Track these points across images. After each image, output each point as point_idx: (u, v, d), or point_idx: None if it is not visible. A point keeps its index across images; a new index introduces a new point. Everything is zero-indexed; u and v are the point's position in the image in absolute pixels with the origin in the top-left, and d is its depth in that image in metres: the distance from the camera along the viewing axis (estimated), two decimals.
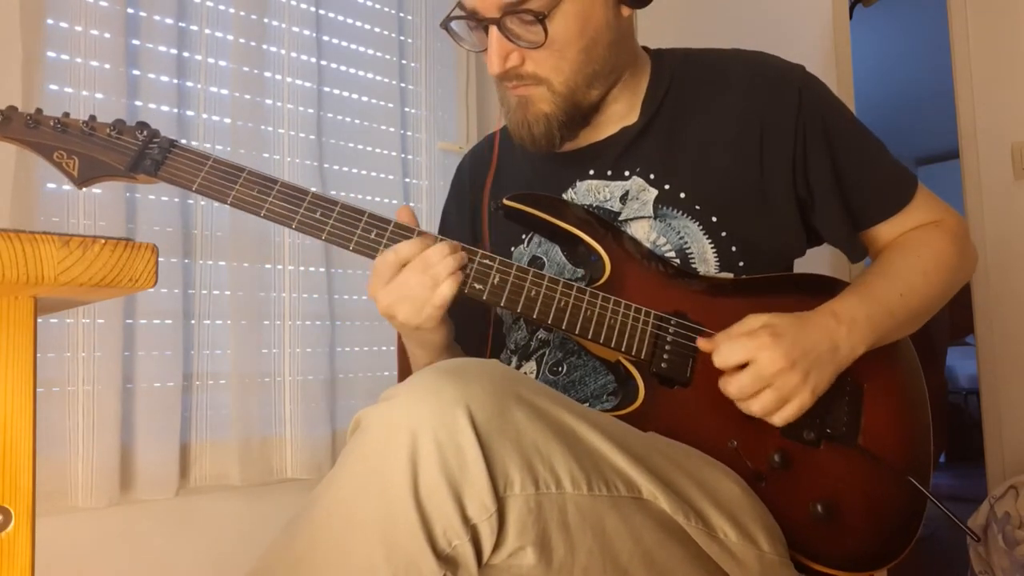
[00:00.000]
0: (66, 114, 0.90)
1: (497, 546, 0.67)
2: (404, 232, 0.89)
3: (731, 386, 0.85)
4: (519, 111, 0.98)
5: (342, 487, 0.67)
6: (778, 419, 0.85)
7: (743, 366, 0.85)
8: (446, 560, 0.65)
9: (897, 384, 0.98)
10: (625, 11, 0.98)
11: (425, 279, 0.84)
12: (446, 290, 0.85)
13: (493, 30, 0.92)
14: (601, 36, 0.95)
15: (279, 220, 0.88)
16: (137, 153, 0.89)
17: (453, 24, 0.97)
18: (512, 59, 0.94)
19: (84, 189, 1.35)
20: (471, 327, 1.10)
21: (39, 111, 0.89)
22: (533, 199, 0.97)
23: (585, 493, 0.71)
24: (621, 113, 1.03)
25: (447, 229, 1.19)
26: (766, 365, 0.84)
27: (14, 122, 0.87)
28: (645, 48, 1.08)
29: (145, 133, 0.90)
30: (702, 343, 0.89)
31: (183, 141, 0.92)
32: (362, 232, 0.88)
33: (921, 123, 4.60)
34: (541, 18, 0.90)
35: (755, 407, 0.85)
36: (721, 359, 0.86)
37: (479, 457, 0.65)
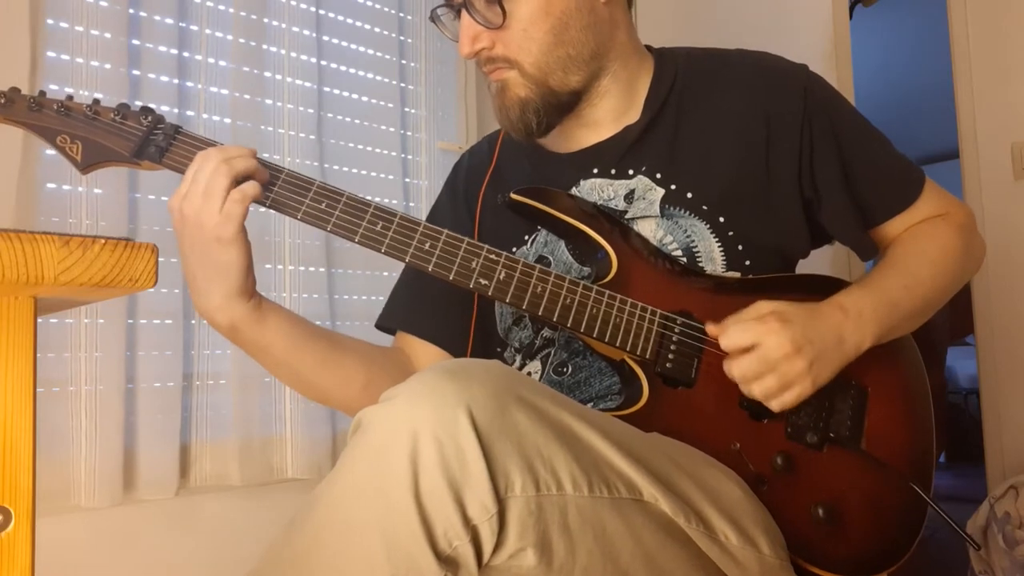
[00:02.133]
0: (70, 97, 0.87)
1: (498, 547, 0.67)
2: (410, 225, 0.88)
3: (735, 368, 0.85)
4: (498, 98, 0.99)
5: (343, 487, 0.67)
6: (776, 404, 0.86)
7: (749, 350, 0.85)
8: (447, 561, 0.64)
9: (901, 388, 0.98)
10: None
11: (222, 167, 0.82)
12: (248, 188, 0.82)
13: (464, 13, 0.95)
14: (571, 18, 0.95)
15: (284, 210, 0.87)
16: (142, 139, 0.87)
17: (440, 15, 1.00)
18: (481, 41, 0.95)
19: (81, 188, 1.35)
20: (453, 319, 1.09)
21: (43, 93, 0.86)
22: (540, 193, 0.97)
23: (586, 495, 0.71)
24: (620, 110, 1.03)
25: (436, 223, 1.18)
26: (772, 349, 0.84)
27: (17, 104, 0.85)
28: (648, 47, 1.08)
29: (150, 118, 0.88)
30: (711, 328, 0.89)
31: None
32: (368, 224, 0.87)
33: (921, 123, 4.59)
34: None
35: (756, 389, 0.85)
36: (728, 341, 0.86)
37: (480, 458, 0.65)
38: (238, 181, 0.83)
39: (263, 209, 0.88)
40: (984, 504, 2.03)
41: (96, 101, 0.88)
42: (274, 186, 0.87)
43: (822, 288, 0.98)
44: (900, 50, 4.91)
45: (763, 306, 0.87)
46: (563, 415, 0.73)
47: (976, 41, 2.46)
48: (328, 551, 0.65)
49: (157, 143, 0.87)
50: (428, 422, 0.65)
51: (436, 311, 1.09)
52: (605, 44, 0.99)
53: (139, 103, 1.45)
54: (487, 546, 0.66)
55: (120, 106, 0.88)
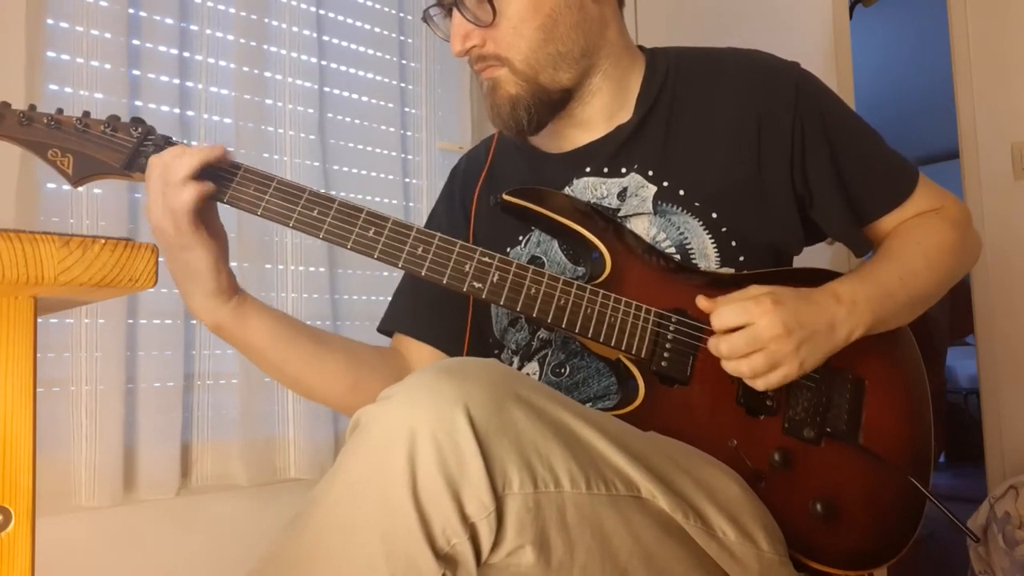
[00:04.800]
0: (60, 111, 0.88)
1: (496, 545, 0.67)
2: (402, 229, 0.88)
3: (723, 345, 0.85)
4: (489, 96, 1.00)
5: (341, 486, 0.67)
6: (762, 383, 0.86)
7: (738, 329, 0.85)
8: (445, 559, 0.65)
9: (899, 382, 0.99)
10: None
11: (166, 175, 0.84)
12: (186, 194, 0.83)
13: (455, 12, 0.95)
14: (560, 15, 0.96)
15: (276, 219, 0.88)
16: (132, 150, 0.87)
17: (433, 15, 1.01)
18: (472, 39, 0.96)
19: (81, 188, 1.35)
20: (449, 321, 1.09)
21: (32, 107, 0.87)
22: (532, 193, 0.97)
23: (584, 492, 0.71)
24: (612, 109, 1.03)
25: (433, 228, 1.19)
26: (763, 329, 0.84)
27: (7, 119, 0.85)
28: (640, 47, 1.08)
29: (140, 130, 0.89)
30: (702, 302, 0.89)
31: (182, 140, 0.92)
32: (360, 230, 0.88)
33: (921, 123, 4.59)
34: None
35: (744, 366, 0.85)
36: (719, 320, 0.86)
37: (477, 456, 0.65)
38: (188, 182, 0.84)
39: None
40: (984, 504, 2.03)
41: (86, 114, 0.88)
42: (264, 196, 0.88)
43: (817, 281, 0.98)
44: (900, 50, 4.91)
45: (756, 288, 0.88)
46: (561, 413, 0.73)
47: (976, 41, 2.46)
48: (327, 550, 0.65)
49: (147, 155, 0.88)
50: (426, 421, 0.65)
51: (433, 313, 1.10)
52: (595, 42, 1.00)
53: (138, 103, 1.46)
54: (485, 544, 0.66)
55: (110, 118, 0.89)
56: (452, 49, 0.97)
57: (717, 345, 0.86)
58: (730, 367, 0.86)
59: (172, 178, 0.84)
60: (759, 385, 0.86)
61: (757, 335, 0.84)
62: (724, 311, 0.86)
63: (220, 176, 0.89)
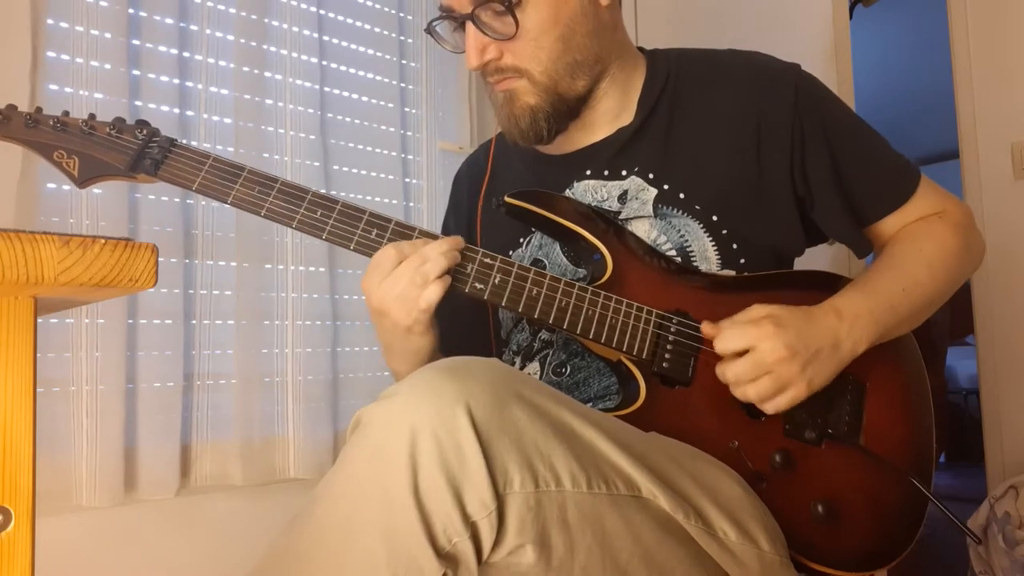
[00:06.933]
0: (66, 113, 0.89)
1: (497, 544, 0.67)
2: (405, 231, 0.89)
3: (729, 371, 0.86)
4: (505, 107, 0.99)
5: (343, 486, 0.67)
6: (771, 407, 0.86)
7: (743, 353, 0.85)
8: (446, 558, 0.65)
9: (900, 383, 0.98)
10: (604, 0, 0.98)
11: (416, 277, 0.84)
12: (431, 294, 0.84)
13: (469, 25, 0.94)
14: (577, 24, 0.95)
15: (279, 220, 0.88)
16: (137, 152, 0.88)
17: (437, 27, 0.99)
18: (489, 52, 0.95)
19: (85, 189, 1.35)
20: (473, 334, 1.10)
21: (39, 110, 0.88)
22: (535, 196, 0.97)
23: (585, 491, 0.71)
24: (615, 112, 1.03)
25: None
26: (767, 353, 0.84)
27: (13, 121, 0.86)
28: (640, 48, 1.08)
29: (145, 132, 0.89)
30: (706, 328, 0.89)
31: (183, 140, 0.92)
32: (362, 231, 0.88)
33: (921, 123, 4.59)
34: (511, 8, 0.91)
35: (751, 392, 0.85)
36: (722, 345, 0.86)
37: (479, 455, 0.65)
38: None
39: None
40: (984, 504, 2.03)
41: (92, 116, 0.89)
42: (268, 198, 0.88)
43: (820, 284, 0.98)
44: (900, 50, 4.91)
45: (758, 310, 0.88)
46: (562, 412, 0.73)
47: (976, 41, 2.46)
48: (329, 549, 0.65)
49: (152, 156, 0.88)
50: (427, 420, 0.65)
51: (464, 330, 1.10)
52: (607, 47, 1.00)
53: (137, 103, 1.46)
54: (486, 543, 0.66)
55: (116, 120, 0.90)
56: (468, 64, 0.96)
57: (723, 372, 0.86)
58: (737, 393, 0.86)
59: (431, 275, 0.84)
60: (768, 408, 0.86)
61: (761, 359, 0.84)
62: (726, 336, 0.86)
63: (225, 177, 0.89)
